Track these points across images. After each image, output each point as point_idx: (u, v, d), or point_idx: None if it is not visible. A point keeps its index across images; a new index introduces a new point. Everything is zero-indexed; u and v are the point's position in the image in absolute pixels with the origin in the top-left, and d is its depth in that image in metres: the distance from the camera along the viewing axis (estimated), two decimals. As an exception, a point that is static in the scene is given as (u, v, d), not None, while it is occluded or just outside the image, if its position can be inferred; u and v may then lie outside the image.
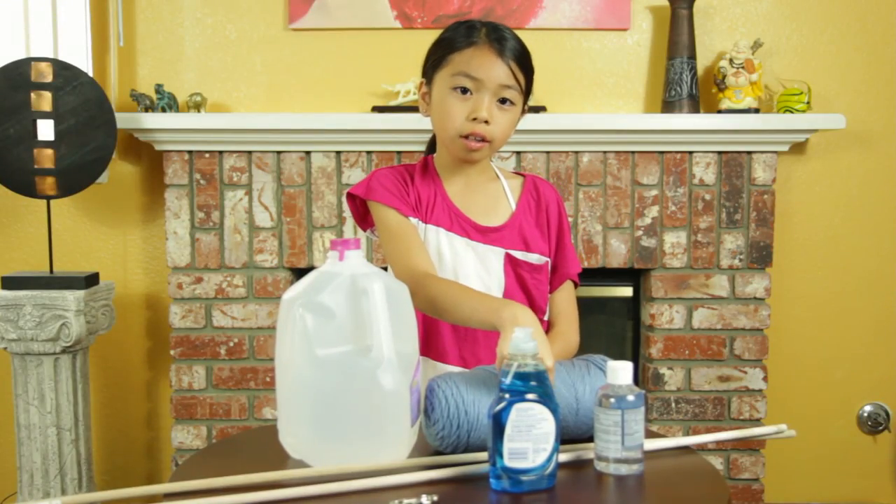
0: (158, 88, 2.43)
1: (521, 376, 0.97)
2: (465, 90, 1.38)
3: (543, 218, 1.49)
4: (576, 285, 1.55)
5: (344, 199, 2.44)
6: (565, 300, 1.52)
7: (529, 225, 1.48)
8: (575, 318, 1.53)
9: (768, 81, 2.53)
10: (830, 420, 2.67)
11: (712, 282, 2.49)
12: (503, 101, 1.38)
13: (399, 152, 2.44)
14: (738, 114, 2.41)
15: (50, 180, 2.22)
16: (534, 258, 1.46)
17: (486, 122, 1.37)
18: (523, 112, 1.47)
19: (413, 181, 1.47)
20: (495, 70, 1.36)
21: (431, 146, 1.55)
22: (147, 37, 2.55)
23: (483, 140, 1.38)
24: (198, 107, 2.44)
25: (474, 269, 1.44)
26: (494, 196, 1.49)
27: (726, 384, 2.51)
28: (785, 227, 2.60)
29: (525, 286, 1.46)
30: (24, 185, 2.22)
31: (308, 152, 2.44)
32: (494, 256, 1.44)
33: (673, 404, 2.51)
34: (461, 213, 1.45)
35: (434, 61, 1.42)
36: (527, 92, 1.43)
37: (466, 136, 1.38)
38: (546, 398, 0.98)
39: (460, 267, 1.43)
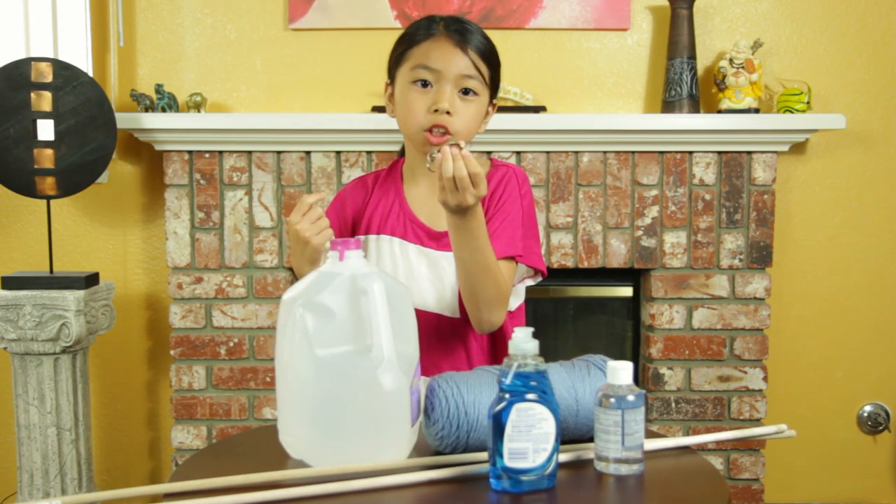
0: (158, 88, 2.43)
1: (521, 376, 0.97)
2: (425, 83, 1.35)
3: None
4: (539, 273, 1.41)
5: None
6: None
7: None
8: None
9: (768, 81, 2.53)
10: (830, 420, 2.67)
11: (712, 282, 2.49)
12: (466, 92, 1.35)
13: (399, 152, 2.44)
14: (738, 114, 2.41)
15: (50, 180, 2.22)
16: None
17: (448, 113, 1.33)
18: (492, 107, 1.43)
19: (372, 192, 1.46)
20: (454, 60, 1.33)
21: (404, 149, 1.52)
22: (147, 37, 2.55)
23: (446, 132, 1.33)
24: (198, 107, 2.44)
25: (427, 277, 1.40)
26: None
27: (726, 384, 2.51)
28: (785, 227, 2.60)
29: None
30: (24, 185, 2.22)
31: (308, 152, 2.44)
32: (447, 262, 1.39)
33: (673, 404, 2.51)
34: (416, 220, 1.42)
35: (395, 59, 1.41)
36: (493, 86, 1.39)
37: (430, 130, 1.34)
38: (546, 398, 0.98)
39: (413, 276, 1.40)
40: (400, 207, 1.44)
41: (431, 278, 1.41)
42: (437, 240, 1.41)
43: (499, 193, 1.40)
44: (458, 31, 1.35)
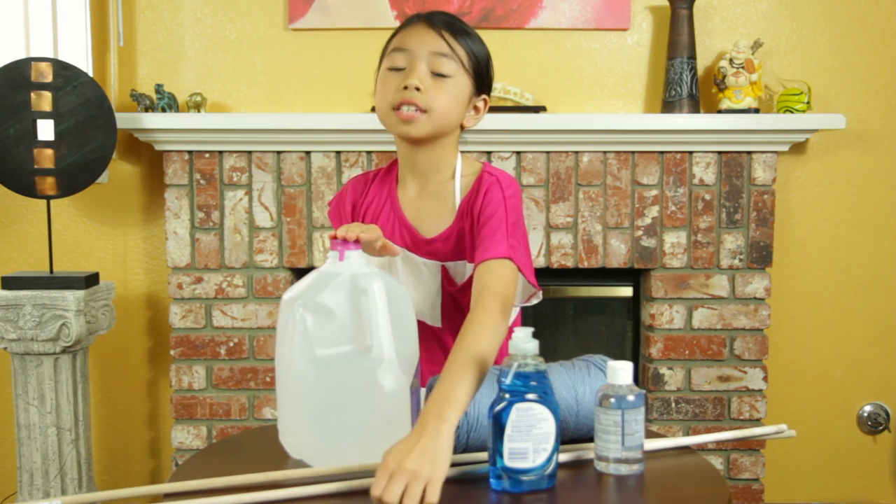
0: (158, 88, 2.43)
1: (521, 376, 0.97)
2: (400, 69, 1.32)
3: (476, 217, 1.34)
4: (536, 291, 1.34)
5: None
6: (484, 274, 1.23)
7: (469, 230, 1.34)
8: (494, 297, 1.19)
9: (768, 81, 2.53)
10: (830, 420, 2.67)
11: (712, 282, 2.49)
12: (441, 76, 1.31)
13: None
14: (738, 114, 2.41)
15: (50, 180, 2.23)
16: (470, 268, 1.33)
17: (418, 89, 1.29)
18: (483, 102, 1.39)
19: (369, 189, 1.44)
20: (427, 38, 1.31)
21: None
22: (147, 37, 2.55)
23: (417, 109, 1.29)
24: (198, 107, 2.44)
25: (408, 281, 1.38)
26: (443, 201, 1.38)
27: (726, 384, 2.51)
28: (785, 227, 2.60)
29: (457, 300, 1.37)
30: (24, 185, 2.22)
31: (308, 152, 2.44)
32: (429, 270, 1.37)
33: (673, 404, 2.51)
34: (406, 222, 1.39)
35: (381, 55, 1.39)
36: (477, 76, 1.36)
37: (398, 108, 1.31)
38: (546, 398, 0.98)
39: (397, 278, 1.36)
40: (391, 208, 1.41)
41: (412, 283, 1.38)
42: (419, 247, 1.37)
43: (491, 199, 1.32)
44: (441, 19, 1.34)
